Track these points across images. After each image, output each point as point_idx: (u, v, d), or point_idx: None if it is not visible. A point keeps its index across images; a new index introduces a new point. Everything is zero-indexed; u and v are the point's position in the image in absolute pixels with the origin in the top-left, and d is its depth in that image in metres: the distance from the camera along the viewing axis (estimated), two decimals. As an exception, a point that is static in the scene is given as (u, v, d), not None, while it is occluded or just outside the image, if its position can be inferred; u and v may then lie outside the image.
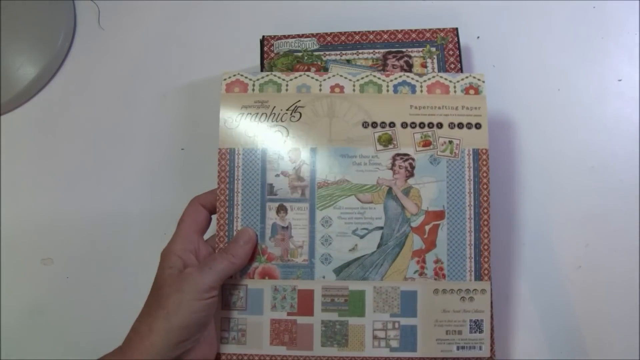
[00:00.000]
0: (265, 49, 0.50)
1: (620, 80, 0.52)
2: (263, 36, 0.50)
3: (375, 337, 0.43)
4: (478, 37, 0.54)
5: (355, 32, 0.49)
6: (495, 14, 0.54)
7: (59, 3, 0.56)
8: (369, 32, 0.49)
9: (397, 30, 0.49)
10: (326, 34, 0.50)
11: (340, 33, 0.49)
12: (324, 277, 0.43)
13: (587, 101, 0.52)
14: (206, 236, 0.44)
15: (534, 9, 0.54)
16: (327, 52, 0.49)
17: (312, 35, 0.50)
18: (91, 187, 0.54)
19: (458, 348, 0.43)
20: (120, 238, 0.53)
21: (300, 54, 0.49)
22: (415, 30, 0.49)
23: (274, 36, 0.50)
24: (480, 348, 0.43)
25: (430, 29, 0.49)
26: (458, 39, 0.49)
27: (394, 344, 0.42)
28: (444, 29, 0.49)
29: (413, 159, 0.43)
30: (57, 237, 0.54)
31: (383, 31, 0.49)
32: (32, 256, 0.54)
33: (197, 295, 0.38)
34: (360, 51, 0.49)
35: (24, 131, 0.56)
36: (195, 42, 0.56)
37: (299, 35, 0.50)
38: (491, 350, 0.43)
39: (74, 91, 0.56)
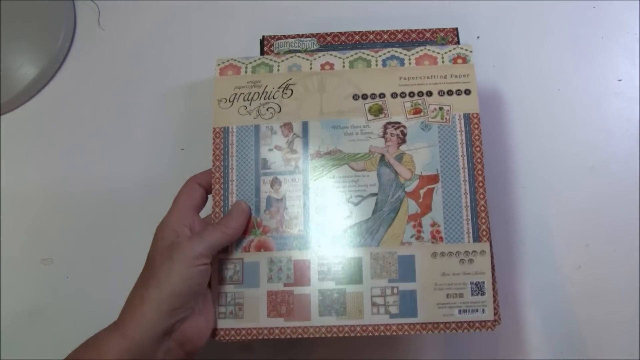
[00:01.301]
0: (265, 49, 0.50)
1: (620, 80, 0.52)
2: (263, 36, 0.50)
3: (374, 304, 0.42)
4: (478, 37, 0.54)
5: (355, 32, 0.49)
6: (495, 14, 0.54)
7: (59, 3, 0.56)
8: (369, 32, 0.49)
9: (397, 30, 0.49)
10: (326, 34, 0.50)
11: (340, 33, 0.49)
12: (319, 247, 0.42)
13: (587, 101, 0.52)
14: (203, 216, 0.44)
15: (534, 9, 0.54)
16: (327, 52, 0.49)
17: (312, 35, 0.50)
18: (91, 186, 0.54)
19: (460, 312, 0.42)
20: (121, 238, 0.53)
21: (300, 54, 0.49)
22: (415, 30, 0.49)
23: (274, 36, 0.50)
24: (483, 311, 0.42)
25: (430, 29, 0.49)
26: (458, 39, 0.49)
27: (394, 310, 0.42)
28: (444, 29, 0.49)
29: (404, 127, 0.43)
30: (57, 237, 0.54)
31: (383, 31, 0.49)
32: (32, 256, 0.54)
33: (187, 262, 0.38)
34: (360, 51, 0.49)
35: (24, 131, 0.56)
36: (195, 42, 0.56)
37: (299, 35, 0.50)
38: (495, 313, 0.42)
39: (74, 91, 0.56)
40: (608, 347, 0.48)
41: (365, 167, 0.43)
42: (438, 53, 0.44)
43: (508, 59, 0.53)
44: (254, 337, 0.42)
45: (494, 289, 0.42)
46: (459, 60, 0.44)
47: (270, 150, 0.43)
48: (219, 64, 0.45)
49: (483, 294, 0.42)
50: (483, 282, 0.42)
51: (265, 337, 0.42)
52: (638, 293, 0.48)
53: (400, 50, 0.45)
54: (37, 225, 0.54)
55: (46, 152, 0.55)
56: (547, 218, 0.50)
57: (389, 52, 0.45)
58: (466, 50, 0.44)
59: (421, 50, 0.45)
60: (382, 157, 0.43)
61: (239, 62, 0.45)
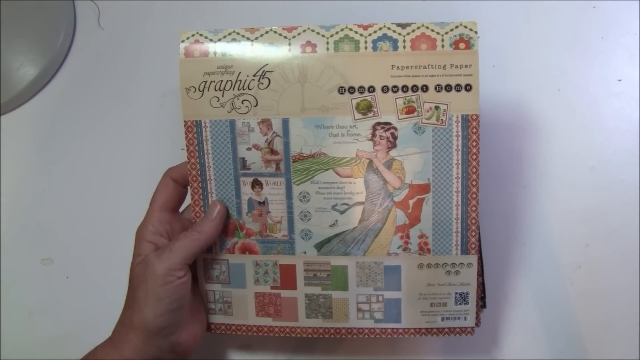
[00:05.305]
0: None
1: (620, 80, 0.52)
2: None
3: (359, 310, 0.42)
4: (478, 37, 0.53)
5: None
6: (495, 14, 0.54)
7: (59, 3, 0.56)
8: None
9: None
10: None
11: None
12: (305, 253, 0.42)
13: (587, 101, 0.52)
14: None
15: (534, 9, 0.54)
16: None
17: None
18: (91, 187, 0.54)
19: (443, 319, 0.42)
20: (120, 238, 0.53)
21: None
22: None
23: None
24: (465, 319, 0.42)
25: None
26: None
27: (378, 315, 0.42)
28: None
29: (395, 129, 0.39)
30: (57, 237, 0.54)
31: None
32: (32, 256, 0.54)
33: (159, 282, 0.37)
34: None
35: (24, 131, 0.56)
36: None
37: (298, 35, 0.49)
38: (476, 318, 0.42)
39: (74, 91, 0.56)
40: (608, 347, 0.48)
41: (351, 173, 0.40)
42: (438, 33, 0.39)
43: (508, 59, 0.53)
44: (244, 333, 0.43)
45: (477, 296, 0.42)
46: (462, 45, 0.39)
47: (249, 149, 0.41)
48: (182, 41, 0.41)
49: (467, 303, 0.42)
50: (467, 293, 0.42)
51: (255, 334, 0.43)
52: (638, 293, 0.48)
53: (393, 27, 0.39)
54: (37, 225, 0.54)
55: (46, 152, 0.55)
56: (547, 218, 0.50)
57: (380, 29, 0.39)
58: (470, 29, 0.39)
59: (418, 28, 0.39)
60: (370, 162, 0.40)
61: (206, 38, 0.40)
